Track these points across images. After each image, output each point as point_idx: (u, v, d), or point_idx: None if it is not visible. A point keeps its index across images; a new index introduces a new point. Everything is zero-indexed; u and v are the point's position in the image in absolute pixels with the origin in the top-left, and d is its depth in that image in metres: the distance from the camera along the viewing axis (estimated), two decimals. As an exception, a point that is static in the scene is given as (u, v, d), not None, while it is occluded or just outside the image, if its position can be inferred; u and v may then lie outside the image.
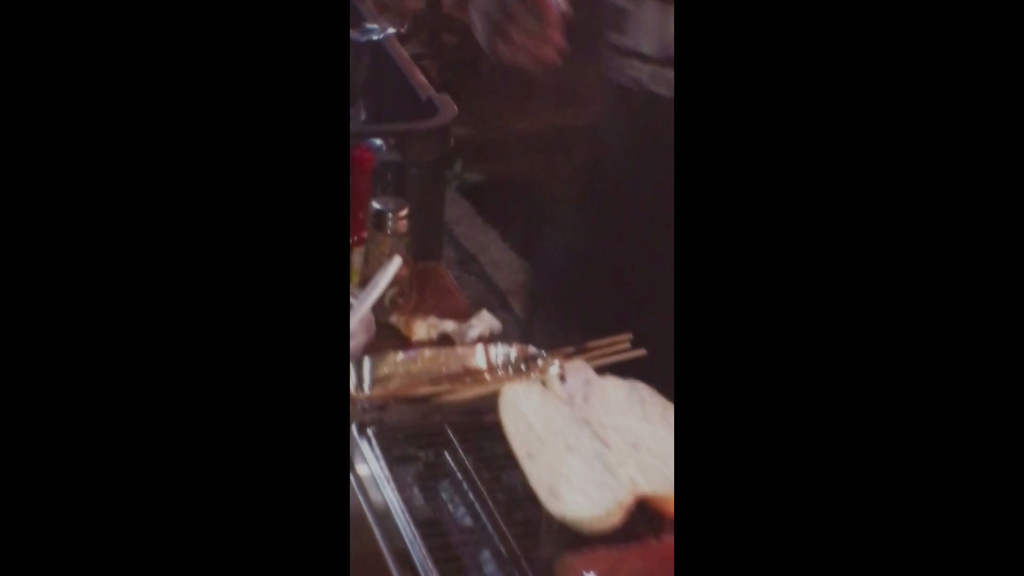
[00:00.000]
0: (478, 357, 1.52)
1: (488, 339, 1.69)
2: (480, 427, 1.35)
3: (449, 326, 1.78)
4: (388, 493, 1.28)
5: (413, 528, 1.23)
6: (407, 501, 1.26)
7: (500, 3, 1.56)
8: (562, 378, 1.43)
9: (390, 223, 1.80)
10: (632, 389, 1.36)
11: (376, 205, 1.81)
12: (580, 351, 1.54)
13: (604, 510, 1.19)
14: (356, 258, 1.82)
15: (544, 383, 1.41)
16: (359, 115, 2.26)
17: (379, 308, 1.71)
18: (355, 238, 1.82)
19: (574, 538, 1.19)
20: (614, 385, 1.38)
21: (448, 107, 2.05)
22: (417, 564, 1.20)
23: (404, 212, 1.80)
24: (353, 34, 2.26)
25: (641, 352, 1.52)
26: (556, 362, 1.50)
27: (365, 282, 1.75)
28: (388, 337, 1.73)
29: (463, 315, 1.83)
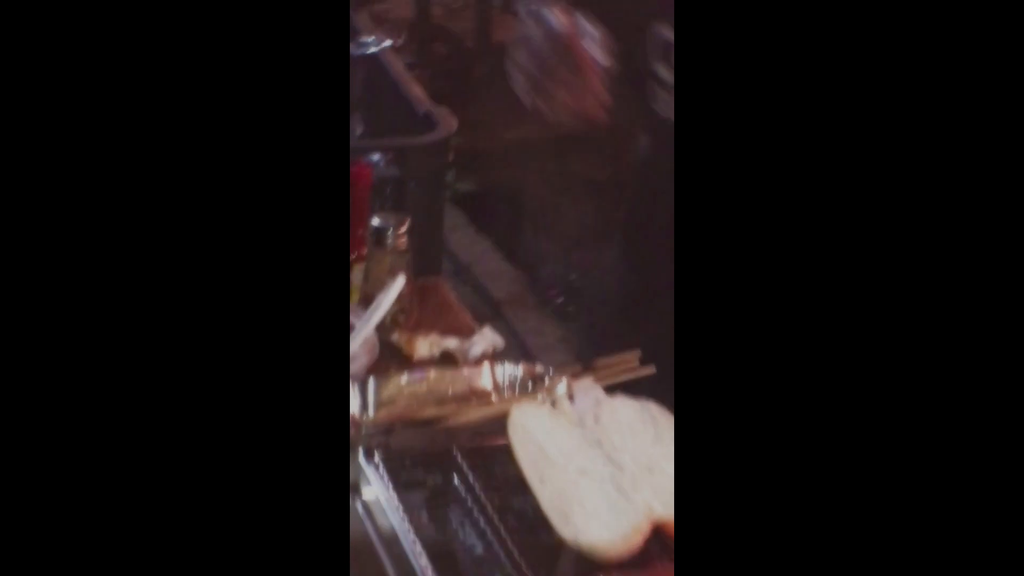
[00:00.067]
0: (484, 377, 1.49)
1: (493, 358, 1.66)
2: (489, 450, 1.33)
3: (451, 343, 1.75)
4: (396, 519, 1.25)
5: (422, 555, 1.20)
6: (415, 527, 1.23)
7: (538, 59, 1.55)
8: (570, 397, 1.41)
9: (390, 239, 1.77)
10: (643, 409, 1.34)
11: (376, 221, 1.78)
12: (588, 369, 1.51)
13: (620, 535, 1.16)
14: (356, 275, 1.79)
15: (553, 403, 1.38)
16: (355, 129, 2.24)
17: (380, 326, 1.68)
18: (355, 255, 1.79)
19: (589, 565, 1.17)
20: (625, 405, 1.35)
21: (447, 120, 2.02)
22: (427, 592, 1.17)
23: (404, 228, 1.77)
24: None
25: (650, 370, 1.49)
26: (563, 381, 1.47)
27: (366, 300, 1.73)
28: (390, 356, 1.70)
29: (465, 331, 1.81)
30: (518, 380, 1.49)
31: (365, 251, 1.79)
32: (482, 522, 1.24)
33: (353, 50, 2.26)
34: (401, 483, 1.29)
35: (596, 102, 1.54)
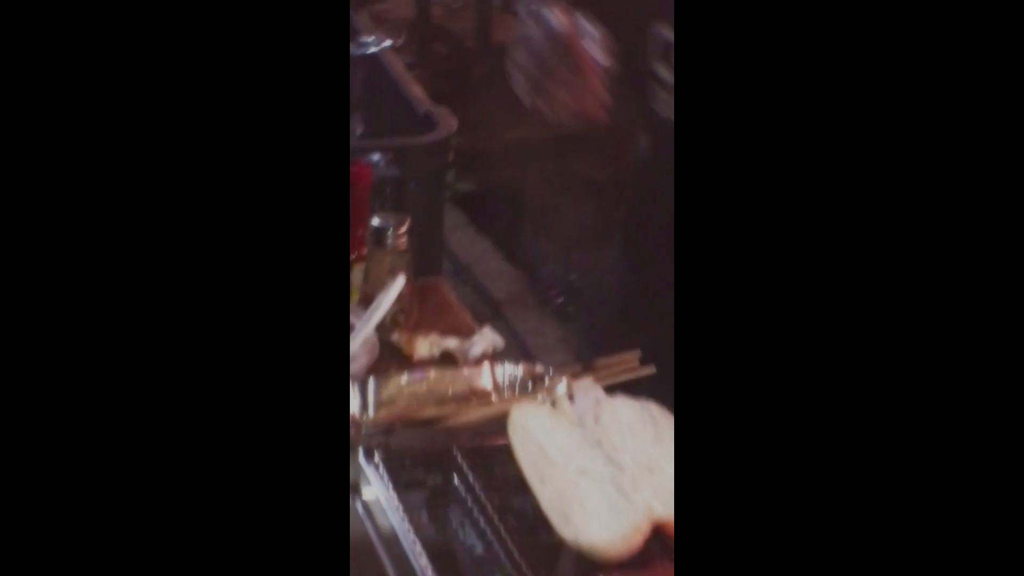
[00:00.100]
0: (484, 377, 1.49)
1: (493, 357, 1.66)
2: (489, 450, 1.33)
3: (451, 343, 1.75)
4: (396, 519, 1.25)
5: (422, 555, 1.20)
6: (415, 527, 1.23)
7: (538, 60, 1.54)
8: (570, 397, 1.41)
9: (390, 239, 1.77)
10: (643, 409, 1.33)
11: (376, 221, 1.78)
12: (588, 369, 1.51)
13: (620, 536, 1.16)
14: (356, 276, 1.79)
15: (553, 403, 1.38)
16: (355, 129, 2.24)
17: (380, 326, 1.68)
18: (355, 255, 1.79)
19: (589, 565, 1.17)
20: (625, 405, 1.35)
21: (447, 120, 2.02)
22: (427, 592, 1.17)
23: (404, 228, 1.77)
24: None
25: (650, 370, 1.49)
26: (563, 381, 1.47)
27: (365, 300, 1.73)
28: (389, 356, 1.70)
29: (465, 331, 1.80)
30: (518, 380, 1.49)
31: (365, 251, 1.79)
32: (482, 522, 1.24)
33: (353, 50, 2.25)
34: (401, 483, 1.29)
35: (596, 102, 1.54)
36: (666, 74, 1.63)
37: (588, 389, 1.41)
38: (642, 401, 1.35)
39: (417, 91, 2.14)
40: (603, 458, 1.26)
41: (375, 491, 1.29)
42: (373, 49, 2.24)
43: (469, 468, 1.30)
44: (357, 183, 1.81)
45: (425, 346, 1.74)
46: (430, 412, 1.43)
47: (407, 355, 1.73)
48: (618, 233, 1.93)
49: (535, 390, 1.46)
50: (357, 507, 1.30)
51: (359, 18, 2.46)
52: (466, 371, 1.50)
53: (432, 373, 1.49)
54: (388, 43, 2.27)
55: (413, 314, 1.81)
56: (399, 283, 1.61)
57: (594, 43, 1.55)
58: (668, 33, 1.60)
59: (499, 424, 1.34)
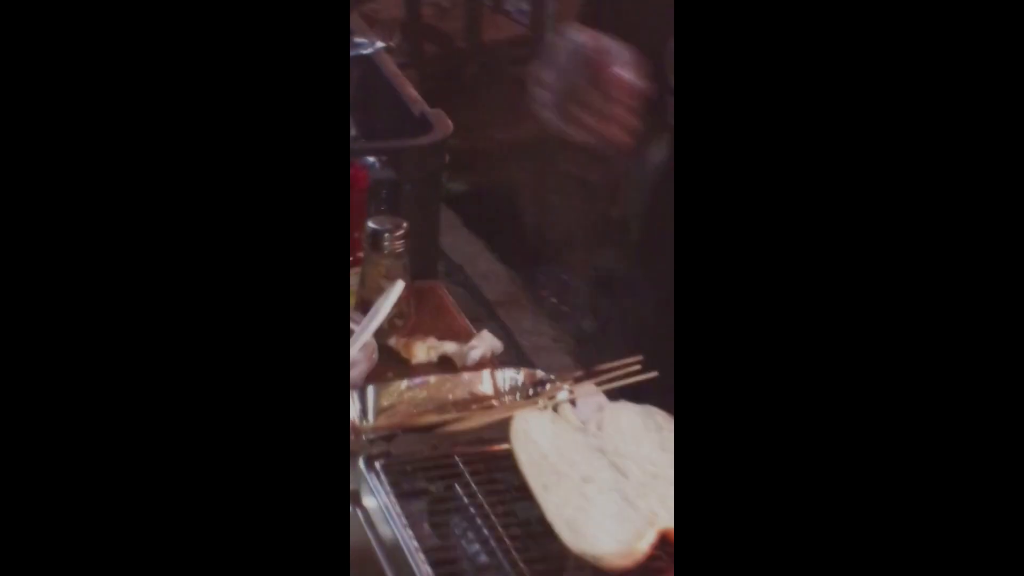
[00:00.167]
0: (485, 383, 1.48)
1: (494, 363, 1.64)
2: (491, 457, 1.31)
3: (450, 347, 1.73)
4: (398, 528, 1.23)
5: (424, 564, 1.18)
6: (418, 536, 1.22)
7: (566, 79, 1.48)
8: (572, 403, 1.39)
9: (387, 243, 1.75)
10: (647, 415, 1.32)
11: (372, 225, 1.76)
12: (589, 374, 1.49)
13: (626, 545, 1.14)
14: (352, 280, 1.77)
15: (555, 409, 1.36)
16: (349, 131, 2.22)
17: (377, 330, 1.66)
18: (350, 259, 1.78)
19: (595, 575, 1.15)
20: (628, 411, 1.33)
21: (442, 122, 2.01)
22: (430, 603, 1.15)
23: (401, 231, 1.75)
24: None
25: (653, 374, 1.47)
26: (565, 387, 1.45)
27: (362, 304, 1.71)
28: (387, 361, 1.69)
29: (463, 335, 1.79)
30: (519, 386, 1.47)
31: (361, 255, 1.77)
32: (486, 531, 1.22)
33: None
34: (402, 491, 1.27)
35: (623, 127, 1.48)
36: None
37: (590, 394, 1.40)
38: (646, 406, 1.34)
39: (412, 93, 2.13)
40: (608, 465, 1.25)
41: (376, 499, 1.27)
42: (367, 51, 2.23)
43: (472, 476, 1.28)
44: (353, 186, 1.80)
45: (423, 351, 1.73)
46: (430, 418, 1.41)
47: (405, 360, 1.72)
48: (614, 233, 1.91)
49: (536, 396, 1.45)
50: (358, 515, 1.28)
51: (351, 19, 2.44)
52: (466, 377, 1.49)
53: (432, 379, 1.47)
54: (382, 45, 2.25)
55: (410, 318, 1.79)
56: (398, 288, 1.59)
57: (625, 65, 1.48)
58: None
59: (500, 430, 1.32)
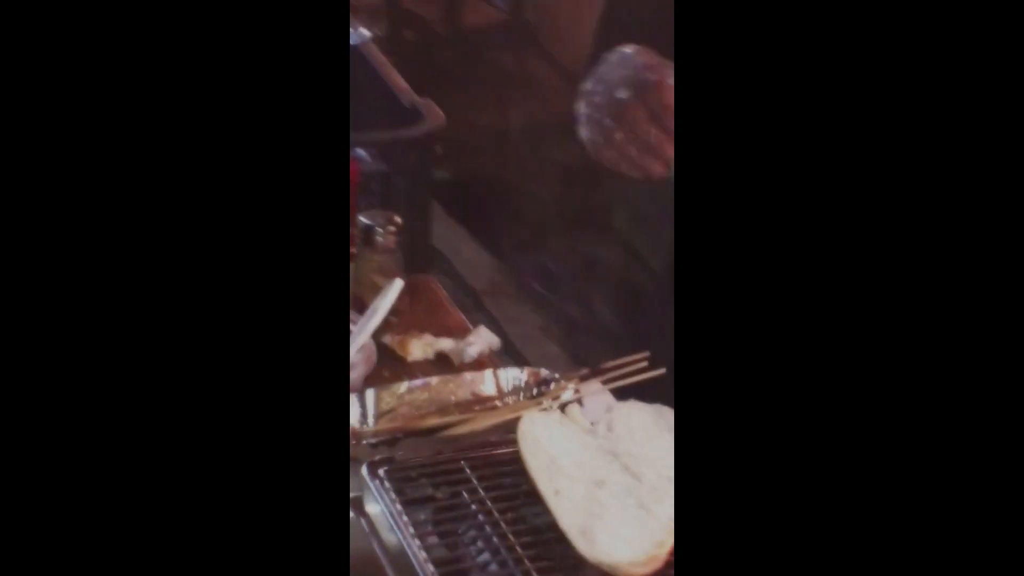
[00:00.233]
0: (487, 383, 1.43)
1: (494, 361, 1.60)
2: (498, 462, 1.27)
3: (446, 344, 1.69)
4: (404, 537, 1.19)
5: (434, 573, 1.14)
6: (425, 545, 1.17)
7: (618, 107, 1.35)
8: (579, 403, 1.35)
9: (380, 238, 1.71)
10: (658, 415, 1.28)
11: (364, 220, 1.72)
12: (595, 372, 1.45)
13: (643, 553, 1.11)
14: (345, 276, 1.73)
15: (562, 409, 1.32)
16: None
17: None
18: (344, 255, 1.73)
19: (612, 584, 1.11)
20: (638, 411, 1.29)
21: (433, 112, 1.96)
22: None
23: (394, 226, 1.71)
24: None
25: (661, 371, 1.43)
26: (570, 386, 1.41)
27: (355, 302, 1.67)
28: (382, 358, 1.64)
29: (459, 330, 1.75)
30: (523, 385, 1.43)
31: (353, 251, 1.73)
32: (495, 539, 1.18)
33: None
34: (408, 498, 1.23)
35: (661, 159, 1.36)
36: None
37: (597, 393, 1.36)
38: (656, 406, 1.30)
39: (401, 83, 2.08)
40: (620, 469, 1.21)
41: (380, 507, 1.23)
42: (354, 41, 2.18)
43: (478, 481, 1.24)
44: (344, 180, 1.75)
45: (419, 348, 1.69)
46: (432, 421, 1.37)
47: (400, 358, 1.67)
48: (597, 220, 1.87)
49: (541, 395, 1.41)
50: (361, 524, 1.24)
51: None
52: (468, 377, 1.45)
53: (434, 380, 1.43)
54: (368, 35, 2.21)
55: (404, 314, 1.75)
56: (396, 286, 1.55)
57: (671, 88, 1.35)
58: None
59: (506, 432, 1.28)
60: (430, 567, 1.15)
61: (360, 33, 2.23)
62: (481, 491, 1.23)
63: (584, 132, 1.40)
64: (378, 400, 1.37)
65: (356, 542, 1.20)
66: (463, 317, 1.82)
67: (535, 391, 1.42)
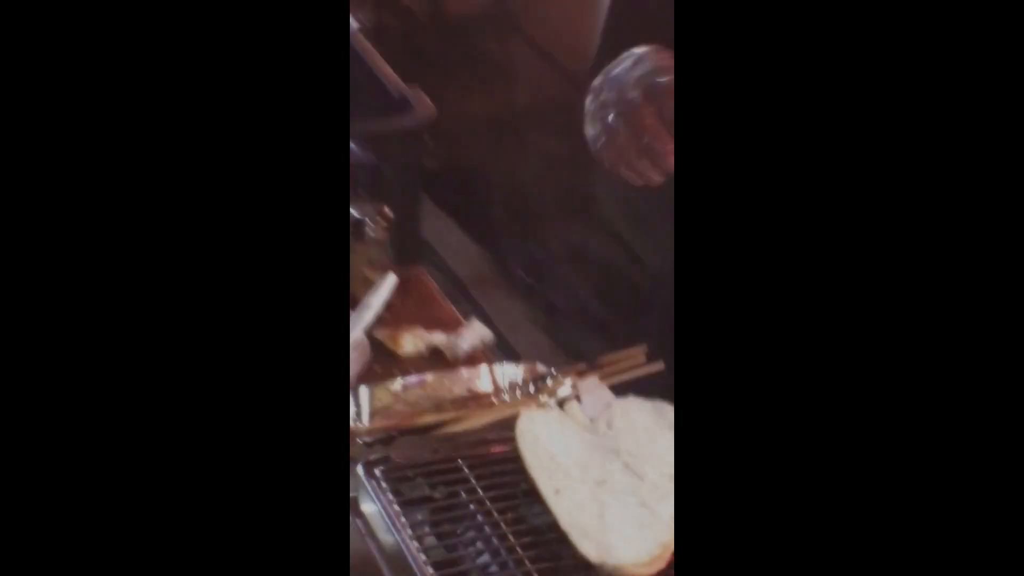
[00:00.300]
0: (483, 379, 1.41)
1: (488, 356, 1.58)
2: (496, 460, 1.24)
3: (438, 338, 1.67)
4: (401, 537, 1.17)
5: (432, 574, 1.12)
6: (423, 546, 1.16)
7: (627, 107, 1.31)
8: (577, 399, 1.33)
9: (370, 231, 1.69)
10: (658, 412, 1.26)
11: (354, 212, 1.70)
12: (592, 367, 1.43)
13: (647, 553, 1.09)
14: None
15: (561, 406, 1.30)
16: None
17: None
18: (334, 249, 1.71)
19: (615, 585, 1.09)
20: (638, 408, 1.27)
21: (423, 102, 1.93)
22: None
23: (384, 218, 1.69)
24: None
25: (659, 366, 1.41)
26: (568, 381, 1.39)
27: (347, 296, 1.64)
28: (374, 353, 1.61)
29: (451, 323, 1.72)
30: (519, 381, 1.41)
31: (344, 244, 1.71)
32: (494, 539, 1.16)
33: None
34: (405, 498, 1.21)
35: (661, 167, 1.33)
36: None
37: (595, 389, 1.34)
38: (656, 402, 1.28)
39: (390, 72, 2.05)
40: (621, 467, 1.19)
41: (376, 507, 1.20)
42: (341, 30, 2.15)
43: (476, 480, 1.22)
44: (333, 172, 1.73)
45: (411, 342, 1.66)
46: (428, 418, 1.35)
47: (392, 352, 1.65)
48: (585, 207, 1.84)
49: (538, 392, 1.39)
50: (357, 524, 1.22)
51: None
52: (464, 373, 1.42)
53: (429, 377, 1.40)
54: (356, 25, 2.18)
55: (395, 307, 1.72)
56: (390, 281, 1.52)
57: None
58: None
59: (504, 430, 1.26)
60: (429, 569, 1.13)
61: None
62: (479, 491, 1.21)
63: (589, 129, 1.36)
64: (372, 397, 1.35)
65: (352, 543, 1.18)
66: (454, 309, 1.80)
67: (532, 387, 1.40)
